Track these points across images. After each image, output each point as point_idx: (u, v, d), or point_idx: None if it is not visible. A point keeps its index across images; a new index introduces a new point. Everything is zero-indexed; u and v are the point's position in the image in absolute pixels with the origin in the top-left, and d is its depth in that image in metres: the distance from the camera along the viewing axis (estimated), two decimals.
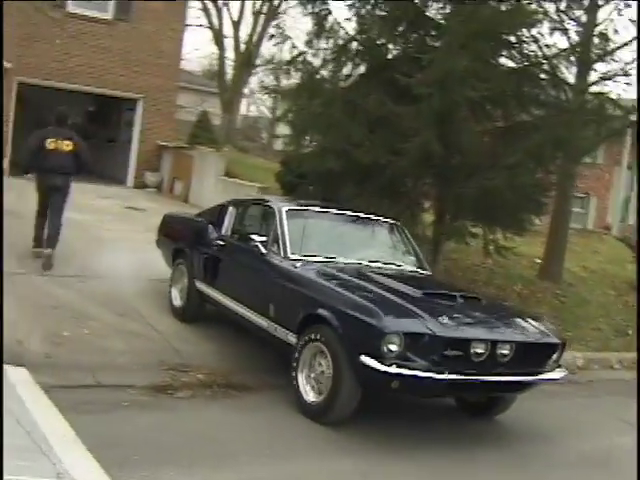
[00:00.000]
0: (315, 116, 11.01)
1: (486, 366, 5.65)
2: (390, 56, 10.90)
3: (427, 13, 10.62)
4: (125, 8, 17.72)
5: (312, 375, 5.96)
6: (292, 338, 6.17)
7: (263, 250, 6.93)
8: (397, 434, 5.90)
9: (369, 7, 10.84)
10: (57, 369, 6.18)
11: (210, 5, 33.12)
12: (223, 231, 7.98)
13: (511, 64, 10.51)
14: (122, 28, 17.81)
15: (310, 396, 5.94)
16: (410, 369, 5.35)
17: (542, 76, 10.59)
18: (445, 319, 5.67)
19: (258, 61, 34.20)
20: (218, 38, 33.94)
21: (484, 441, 6.28)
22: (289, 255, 6.76)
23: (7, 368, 5.63)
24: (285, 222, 7.02)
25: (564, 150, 10.17)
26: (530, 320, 6.33)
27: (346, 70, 11.11)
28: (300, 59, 11.11)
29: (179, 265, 8.44)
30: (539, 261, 13.53)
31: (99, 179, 17.07)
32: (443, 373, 5.41)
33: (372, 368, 5.34)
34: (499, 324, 6.11)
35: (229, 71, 34.64)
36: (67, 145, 9.31)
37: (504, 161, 9.61)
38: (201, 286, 7.87)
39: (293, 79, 11.72)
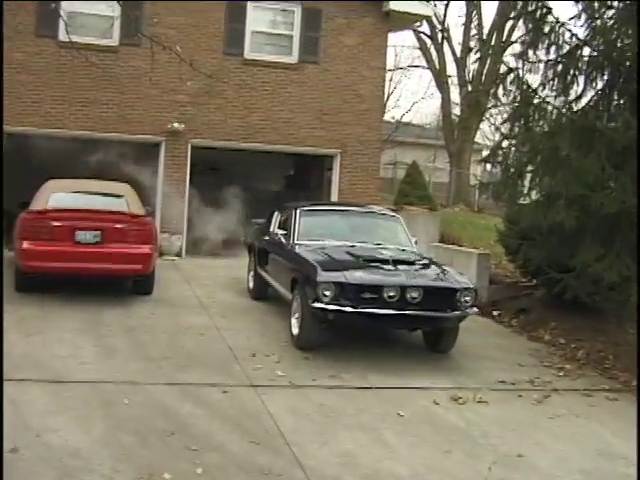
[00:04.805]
0: (535, 152, 8.81)
1: (399, 305, 8.22)
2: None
3: None
4: (312, 48, 16.24)
5: (296, 317, 8.83)
6: (289, 296, 9.24)
7: (283, 240, 10.24)
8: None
9: None
10: None
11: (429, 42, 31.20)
12: (270, 229, 11.28)
13: None
14: (309, 72, 16.31)
15: (295, 330, 8.84)
16: (337, 306, 8.15)
17: None
18: (360, 273, 8.44)
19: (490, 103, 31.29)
20: (440, 79, 31.39)
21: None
22: (295, 241, 9.93)
23: None
24: (298, 218, 10.25)
25: None
26: (450, 274, 8.90)
27: (576, 87, 8.84)
28: (511, 78, 8.96)
29: (250, 255, 12.27)
30: None
31: None
32: (357, 308, 8.14)
33: (314, 307, 8.22)
34: (416, 276, 8.67)
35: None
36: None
37: None
38: (260, 270, 11.27)
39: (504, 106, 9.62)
